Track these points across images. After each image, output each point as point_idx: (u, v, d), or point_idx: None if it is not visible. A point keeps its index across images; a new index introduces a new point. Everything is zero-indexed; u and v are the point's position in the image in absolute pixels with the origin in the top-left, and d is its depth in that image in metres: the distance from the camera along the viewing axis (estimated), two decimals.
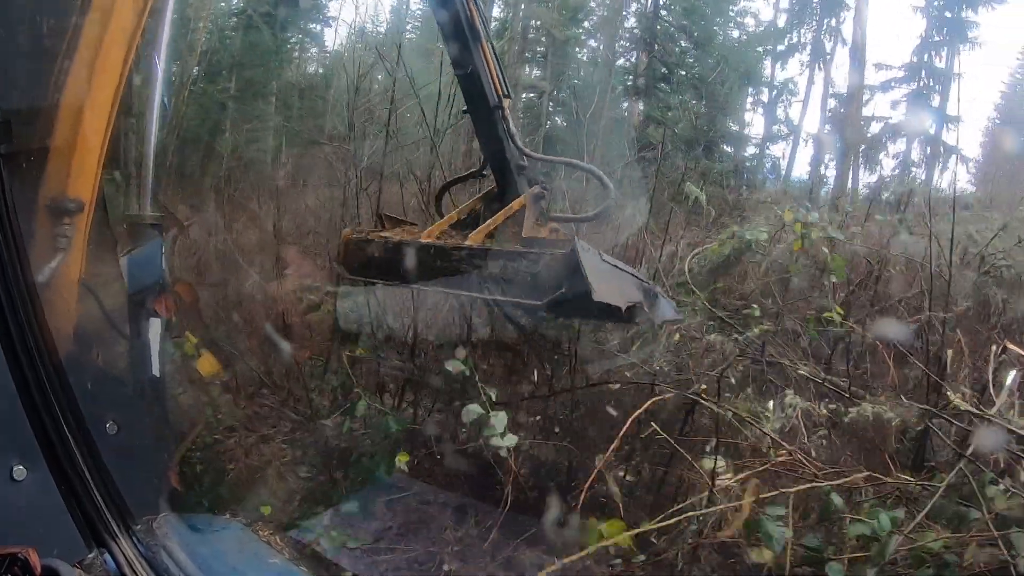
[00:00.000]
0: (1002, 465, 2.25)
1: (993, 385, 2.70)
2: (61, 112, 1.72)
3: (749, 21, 13.92)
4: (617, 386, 2.95)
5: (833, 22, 13.98)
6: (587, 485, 2.10)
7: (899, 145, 13.42)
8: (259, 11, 11.03)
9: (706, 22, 12.76)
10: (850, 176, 13.18)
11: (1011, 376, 2.52)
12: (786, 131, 14.24)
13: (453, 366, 2.86)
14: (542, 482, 2.68)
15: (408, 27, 14.03)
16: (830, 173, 13.39)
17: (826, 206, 6.52)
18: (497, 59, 3.24)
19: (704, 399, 2.49)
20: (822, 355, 3.63)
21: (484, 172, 3.60)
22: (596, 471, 2.12)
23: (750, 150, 13.69)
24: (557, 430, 3.13)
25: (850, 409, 2.76)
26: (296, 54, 12.96)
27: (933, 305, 3.49)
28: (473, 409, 2.39)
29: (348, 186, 5.15)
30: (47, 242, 1.70)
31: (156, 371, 2.15)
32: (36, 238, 1.67)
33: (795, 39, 14.18)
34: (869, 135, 13.65)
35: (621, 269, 2.98)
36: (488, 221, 3.06)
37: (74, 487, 1.44)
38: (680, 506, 2.15)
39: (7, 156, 1.50)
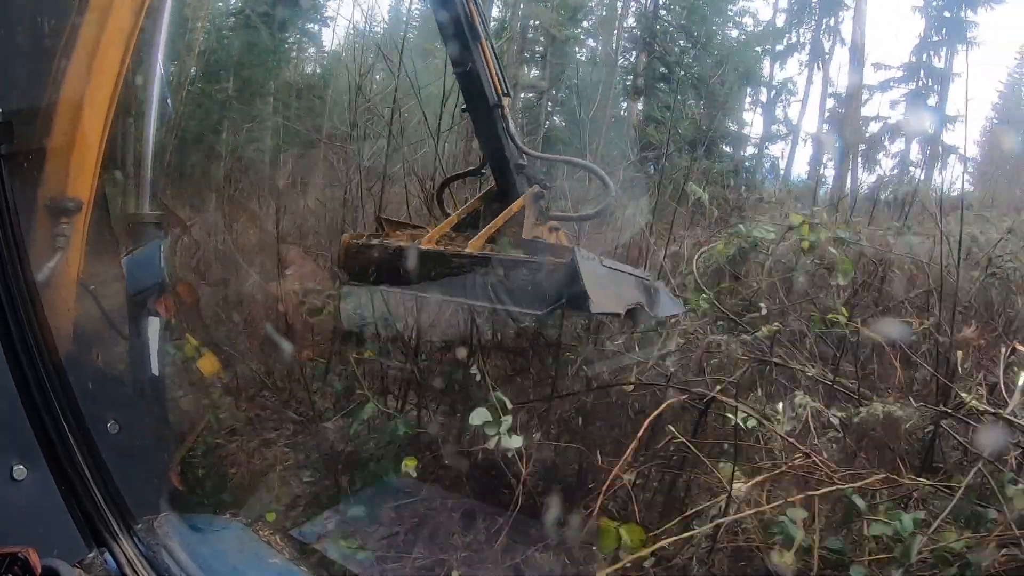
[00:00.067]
0: (1014, 465, 2.24)
1: (1004, 386, 2.70)
2: (59, 112, 1.72)
3: (748, 21, 13.96)
4: (631, 388, 2.92)
5: (832, 22, 14.05)
6: (604, 489, 2.06)
7: (898, 145, 13.47)
8: (257, 11, 11.00)
9: (705, 22, 12.78)
10: (849, 176, 13.23)
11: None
12: (785, 131, 14.30)
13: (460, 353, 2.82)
14: (552, 485, 2.64)
15: (405, 27, 14.01)
16: (829, 173, 13.43)
17: (826, 206, 6.50)
18: (496, 58, 3.24)
19: (727, 400, 2.46)
20: (828, 356, 3.61)
21: (483, 170, 3.60)
22: (613, 475, 2.08)
23: (749, 150, 13.73)
24: (565, 432, 3.11)
25: (860, 410, 2.74)
26: (294, 54, 12.95)
27: (940, 306, 3.47)
28: (482, 413, 2.37)
29: (349, 186, 5.12)
30: (46, 241, 1.69)
31: (156, 371, 2.15)
32: (35, 237, 1.66)
33: (794, 39, 14.25)
34: (868, 135, 13.69)
35: (621, 271, 2.98)
36: (487, 226, 3.06)
37: (74, 487, 1.44)
38: (697, 509, 2.12)
39: (7, 156, 1.49)
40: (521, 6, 13.01)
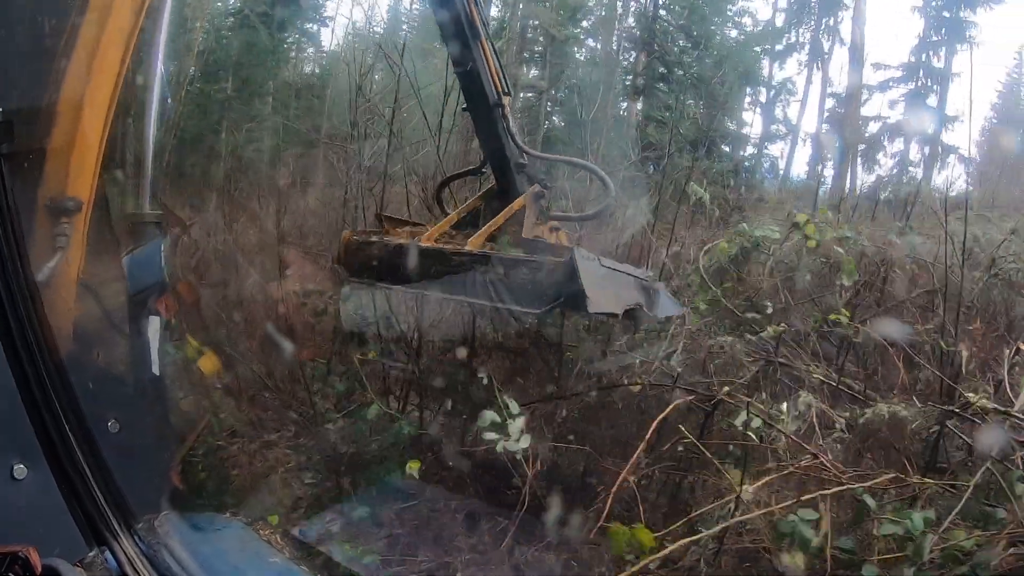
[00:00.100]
0: (1021, 464, 2.23)
1: (1009, 385, 2.70)
2: (60, 111, 1.73)
3: (747, 21, 13.95)
4: (637, 388, 2.91)
5: (831, 21, 14.04)
6: (614, 491, 2.05)
7: (897, 145, 13.46)
8: (256, 11, 10.98)
9: (705, 21, 12.77)
10: (848, 176, 13.23)
11: None
12: (784, 131, 14.29)
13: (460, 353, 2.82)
14: (556, 486, 2.63)
15: (404, 27, 14.01)
16: (828, 173, 13.43)
17: (826, 206, 6.49)
18: (497, 57, 3.24)
19: (737, 401, 2.45)
20: (831, 355, 3.59)
21: (484, 169, 3.60)
22: (622, 478, 2.07)
23: (749, 150, 13.72)
24: (569, 433, 3.09)
25: (865, 411, 2.73)
26: (293, 54, 12.92)
27: (944, 306, 3.46)
28: (489, 415, 2.36)
29: (350, 186, 5.10)
30: (47, 241, 1.70)
31: (157, 370, 2.15)
32: (36, 237, 1.67)
33: (793, 39, 14.23)
34: (867, 135, 13.68)
35: (620, 271, 2.97)
36: (487, 225, 3.07)
37: (75, 486, 1.44)
38: (704, 510, 2.10)
39: (8, 155, 1.49)
40: (520, 6, 12.99)
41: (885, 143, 13.53)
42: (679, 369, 2.98)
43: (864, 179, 13.38)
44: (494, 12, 12.93)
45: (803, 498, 1.97)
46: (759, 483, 2.05)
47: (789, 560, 1.77)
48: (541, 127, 12.38)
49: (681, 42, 12.76)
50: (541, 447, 2.54)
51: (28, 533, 1.31)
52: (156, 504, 1.67)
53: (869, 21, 13.27)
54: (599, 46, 14.11)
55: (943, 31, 12.97)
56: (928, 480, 2.23)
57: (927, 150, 13.00)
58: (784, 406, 2.75)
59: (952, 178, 12.64)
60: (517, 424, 2.32)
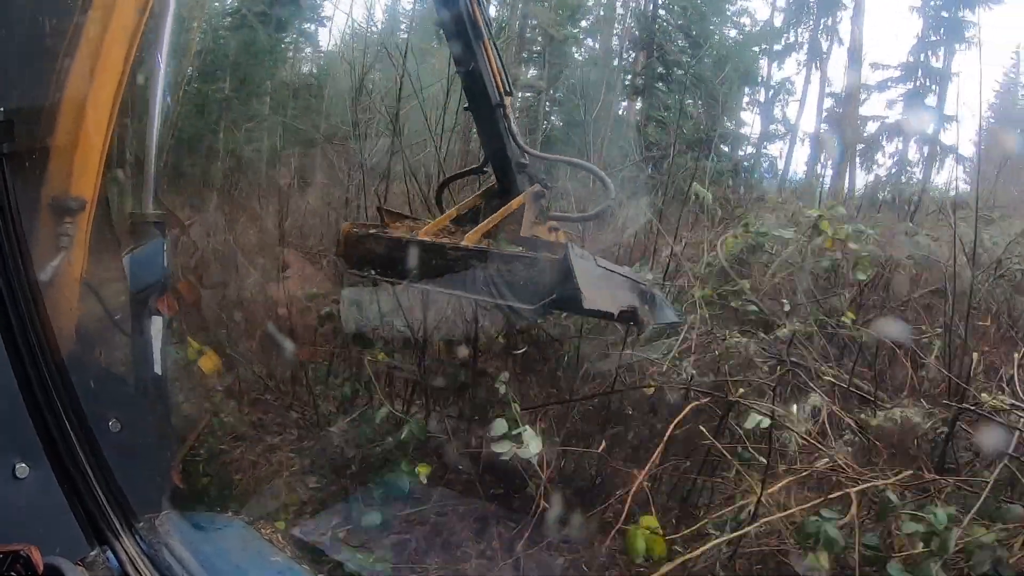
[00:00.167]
0: None
1: (1019, 384, 2.68)
2: (63, 111, 1.72)
3: (746, 21, 13.96)
4: (651, 390, 2.88)
5: (830, 21, 14.07)
6: (633, 492, 2.02)
7: (895, 144, 13.48)
8: (253, 10, 10.95)
9: (704, 21, 12.78)
10: (847, 175, 13.25)
11: None
12: (783, 131, 14.31)
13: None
14: (568, 489, 2.60)
15: (403, 27, 13.98)
16: (826, 172, 13.46)
17: (833, 202, 6.48)
18: (499, 57, 3.23)
19: (753, 404, 2.43)
20: (839, 356, 3.57)
21: (485, 169, 3.60)
22: (639, 482, 2.03)
23: (748, 149, 13.74)
24: (580, 435, 3.06)
25: (877, 412, 2.72)
26: (291, 54, 12.90)
27: (953, 306, 3.44)
28: (500, 426, 2.34)
29: (351, 185, 5.07)
30: (49, 241, 1.70)
31: (158, 369, 2.14)
32: (39, 236, 1.66)
33: (792, 38, 14.25)
34: (866, 134, 13.71)
35: (617, 273, 2.96)
36: (485, 221, 3.08)
37: (76, 485, 1.43)
38: (721, 512, 2.08)
39: (10, 155, 1.48)
40: (519, 6, 12.98)
41: (884, 143, 13.56)
42: (692, 371, 2.94)
43: (863, 179, 13.42)
44: (493, 12, 12.91)
45: (829, 496, 1.96)
46: (779, 485, 2.03)
47: (812, 561, 1.75)
48: (540, 127, 12.37)
49: (680, 42, 12.77)
50: (552, 451, 2.51)
51: (29, 532, 1.30)
52: (157, 503, 1.67)
53: (868, 21, 13.30)
54: (598, 46, 14.11)
55: (942, 31, 13.01)
56: (946, 478, 2.22)
57: (926, 150, 13.02)
58: (795, 408, 2.74)
59: (954, 178, 12.63)
60: (530, 432, 2.30)
